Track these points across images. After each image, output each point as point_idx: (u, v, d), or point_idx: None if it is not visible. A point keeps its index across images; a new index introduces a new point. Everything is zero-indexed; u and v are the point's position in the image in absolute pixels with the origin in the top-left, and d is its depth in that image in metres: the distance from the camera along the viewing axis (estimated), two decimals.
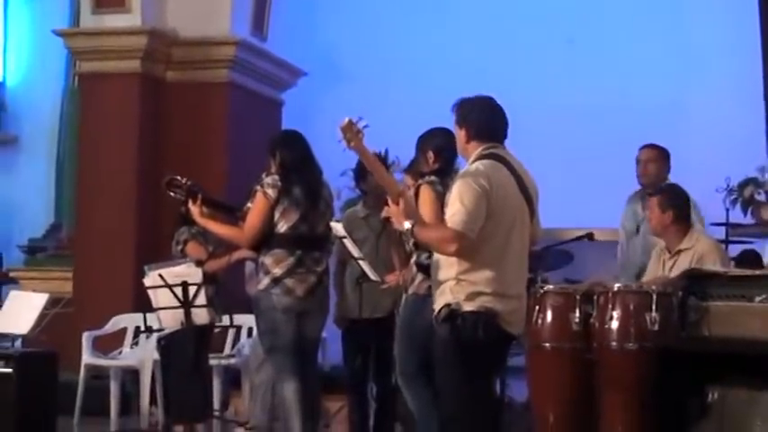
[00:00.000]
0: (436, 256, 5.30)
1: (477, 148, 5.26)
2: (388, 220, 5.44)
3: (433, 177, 6.04)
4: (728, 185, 9.39)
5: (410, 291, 6.16)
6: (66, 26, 11.10)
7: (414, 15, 11.20)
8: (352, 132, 5.25)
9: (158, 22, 10.26)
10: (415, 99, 9.65)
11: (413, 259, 6.09)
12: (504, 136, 5.37)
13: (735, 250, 8.45)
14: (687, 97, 10.42)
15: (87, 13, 10.34)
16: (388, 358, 6.89)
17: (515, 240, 5.20)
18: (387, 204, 5.41)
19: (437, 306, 5.19)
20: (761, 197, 9.44)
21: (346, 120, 5.24)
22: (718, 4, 9.56)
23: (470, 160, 5.28)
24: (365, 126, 5.26)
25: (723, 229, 8.95)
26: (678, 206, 6.52)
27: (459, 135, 5.33)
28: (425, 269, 5.81)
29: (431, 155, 6.20)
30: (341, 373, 8.03)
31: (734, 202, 9.38)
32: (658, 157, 7.33)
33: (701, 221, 7.14)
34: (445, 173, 6.06)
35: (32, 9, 12.00)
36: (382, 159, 7.32)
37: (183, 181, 6.80)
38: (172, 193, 6.85)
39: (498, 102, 5.42)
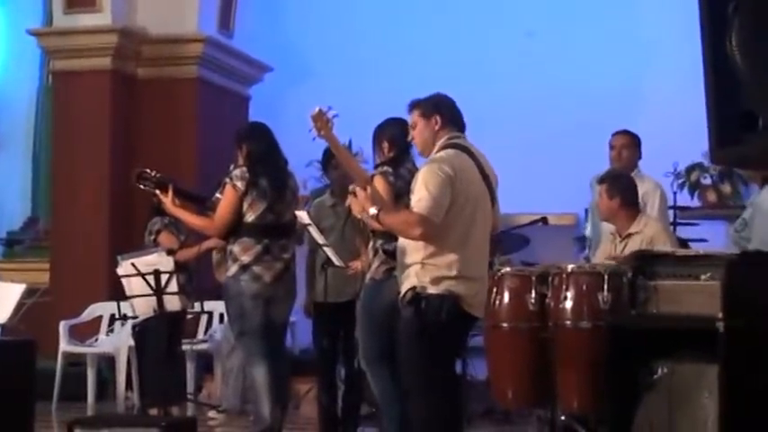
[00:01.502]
0: (402, 241, 5.42)
1: (444, 137, 5.42)
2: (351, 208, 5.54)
3: (386, 168, 6.14)
4: (676, 170, 9.55)
5: (368, 276, 6.23)
6: (40, 26, 11.17)
7: (376, 11, 11.24)
8: (322, 121, 5.40)
9: (128, 21, 10.34)
10: (377, 92, 9.71)
11: (370, 245, 6.20)
12: (464, 129, 5.56)
13: (682, 232, 8.60)
14: (637, 86, 10.52)
15: (59, 13, 10.43)
16: (354, 342, 6.93)
17: (478, 226, 5.36)
18: (351, 194, 5.62)
19: (403, 289, 5.32)
20: (706, 181, 9.58)
21: (317, 109, 5.39)
22: None
23: (435, 150, 5.42)
24: (335, 116, 5.43)
25: (671, 212, 9.07)
26: (624, 192, 6.66)
27: (429, 125, 5.44)
28: (385, 254, 5.97)
29: (385, 145, 6.31)
30: (310, 356, 8.15)
31: (681, 186, 9.53)
32: (631, 143, 7.39)
33: (663, 215, 7.25)
34: (399, 162, 6.17)
35: (6, 9, 11.99)
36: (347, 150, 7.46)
37: (153, 174, 6.88)
38: (141, 186, 6.92)
39: (458, 91, 5.58)
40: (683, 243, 7.72)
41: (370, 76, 10.84)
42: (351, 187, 5.62)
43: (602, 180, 6.86)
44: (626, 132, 7.45)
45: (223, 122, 10.24)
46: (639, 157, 7.44)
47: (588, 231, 7.77)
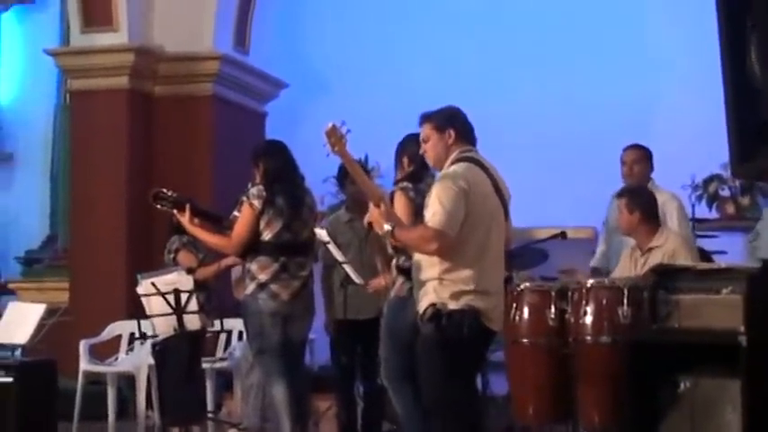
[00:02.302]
0: (417, 256, 5.41)
1: (457, 150, 5.41)
2: (371, 224, 5.51)
3: (406, 183, 6.15)
4: (693, 182, 9.54)
5: (392, 293, 6.22)
6: (57, 45, 11.24)
7: (392, 27, 11.25)
8: (335, 137, 5.36)
9: (145, 40, 10.36)
10: (393, 108, 9.72)
11: (393, 262, 6.18)
12: (476, 142, 5.54)
13: (701, 244, 8.46)
14: (653, 98, 10.47)
15: (77, 33, 10.46)
16: (374, 358, 6.95)
17: (493, 239, 5.34)
18: (369, 209, 5.61)
19: (421, 306, 5.29)
20: (725, 193, 9.55)
21: (330, 124, 5.35)
22: (684, 7, 9.70)
23: (447, 164, 5.40)
24: (348, 131, 5.38)
25: (690, 223, 9.08)
26: (644, 206, 6.65)
27: (442, 138, 5.42)
28: (406, 272, 5.93)
29: (405, 160, 6.33)
30: (329, 372, 8.12)
31: (699, 198, 9.51)
32: (642, 157, 7.32)
33: (684, 225, 7.21)
34: (418, 177, 6.17)
35: (24, 29, 12.07)
36: (362, 165, 7.48)
37: (169, 193, 6.90)
38: (158, 206, 6.94)
39: (473, 104, 5.59)
40: (707, 255, 7.70)
41: (386, 92, 10.85)
42: (368, 214, 5.59)
43: (620, 194, 6.85)
44: (636, 147, 7.39)
45: (240, 140, 10.23)
46: (652, 170, 7.39)
47: (601, 247, 7.75)
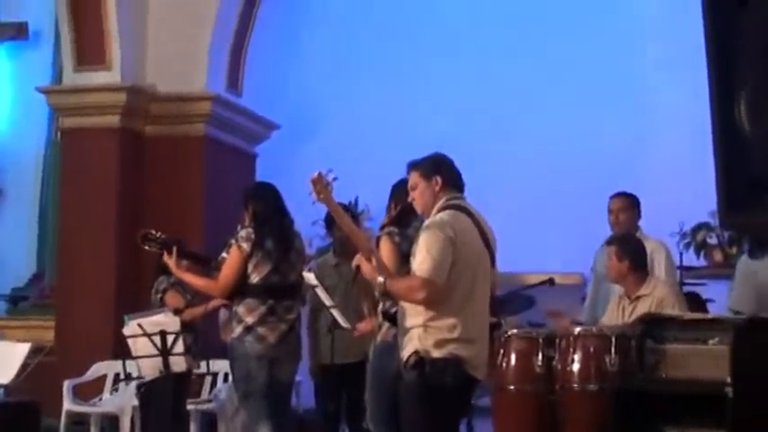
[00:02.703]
0: (403, 303, 5.40)
1: (444, 197, 5.41)
2: (358, 267, 5.50)
3: (391, 228, 6.15)
4: (682, 230, 9.58)
5: (378, 338, 6.22)
6: (50, 82, 11.26)
7: (383, 70, 11.32)
8: (321, 185, 5.40)
9: (137, 79, 10.38)
10: (384, 151, 9.77)
11: (379, 308, 6.17)
12: (464, 189, 5.55)
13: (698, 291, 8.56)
14: (643, 146, 10.51)
15: (69, 71, 10.48)
16: (359, 403, 6.92)
17: (479, 287, 5.34)
18: (357, 253, 5.61)
19: (405, 353, 5.27)
20: (713, 241, 9.60)
21: (316, 173, 5.40)
22: (675, 56, 9.76)
23: (434, 211, 5.41)
24: (334, 179, 5.41)
25: (677, 272, 9.12)
26: (633, 255, 6.67)
27: (429, 186, 5.43)
28: (392, 317, 5.90)
29: (393, 205, 6.33)
30: (315, 416, 8.09)
31: (687, 246, 9.55)
32: (629, 205, 7.29)
33: (671, 274, 7.23)
34: (405, 223, 6.16)
35: (16, 66, 12.08)
36: (350, 209, 7.49)
37: (157, 234, 6.92)
38: (146, 247, 6.96)
39: (462, 150, 5.63)
40: (701, 302, 7.74)
41: (376, 135, 10.90)
42: (357, 258, 5.59)
43: (610, 242, 6.87)
44: (622, 195, 7.37)
45: (230, 180, 10.27)
46: (639, 218, 7.37)
47: (590, 295, 7.75)
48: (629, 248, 6.71)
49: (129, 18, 10.35)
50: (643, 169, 10.17)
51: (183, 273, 6.81)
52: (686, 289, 8.45)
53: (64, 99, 10.62)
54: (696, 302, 7.87)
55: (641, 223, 7.41)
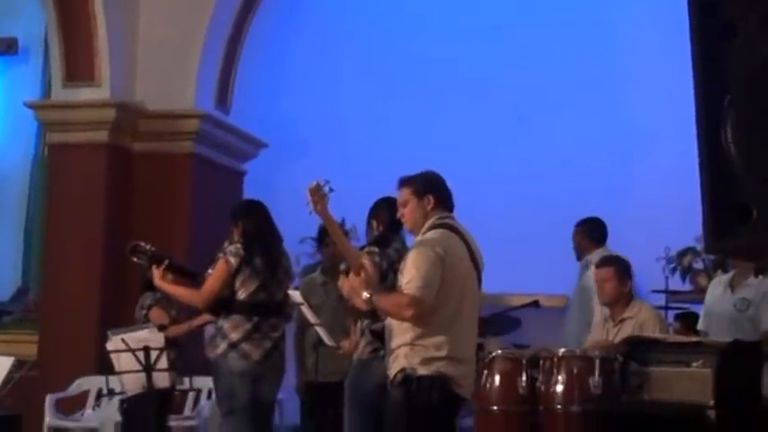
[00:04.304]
0: (389, 321, 5.41)
1: (434, 216, 5.43)
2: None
3: (372, 247, 6.15)
4: (668, 254, 9.59)
5: (355, 356, 6.24)
6: (38, 97, 11.21)
7: (371, 89, 11.32)
8: (318, 195, 5.42)
9: (126, 96, 10.34)
10: (371, 170, 9.79)
11: (358, 325, 6.19)
12: (453, 208, 5.58)
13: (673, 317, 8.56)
14: (629, 169, 10.55)
15: (58, 86, 10.44)
16: (343, 421, 6.89)
17: (467, 306, 5.37)
18: (343, 274, 5.62)
19: (392, 371, 5.30)
20: (698, 265, 9.61)
21: (314, 182, 5.41)
22: (662, 78, 9.81)
23: (423, 230, 5.43)
24: (331, 190, 5.44)
25: (663, 296, 9.13)
26: (630, 277, 6.73)
27: (421, 204, 5.44)
28: (373, 334, 5.96)
29: (374, 224, 6.35)
30: None
31: (673, 271, 9.55)
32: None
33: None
34: (386, 242, 6.19)
35: (5, 81, 12.02)
36: (342, 226, 7.50)
37: (147, 247, 6.93)
38: (135, 259, 6.97)
39: (450, 171, 5.62)
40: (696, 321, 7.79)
41: (364, 154, 10.91)
42: (342, 267, 5.62)
43: (609, 263, 6.81)
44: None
45: (217, 198, 10.24)
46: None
47: (574, 318, 7.76)
48: (627, 270, 6.73)
49: (118, 35, 10.34)
50: (629, 193, 10.21)
51: (165, 285, 6.83)
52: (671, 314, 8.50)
53: (52, 114, 10.60)
54: (692, 322, 7.91)
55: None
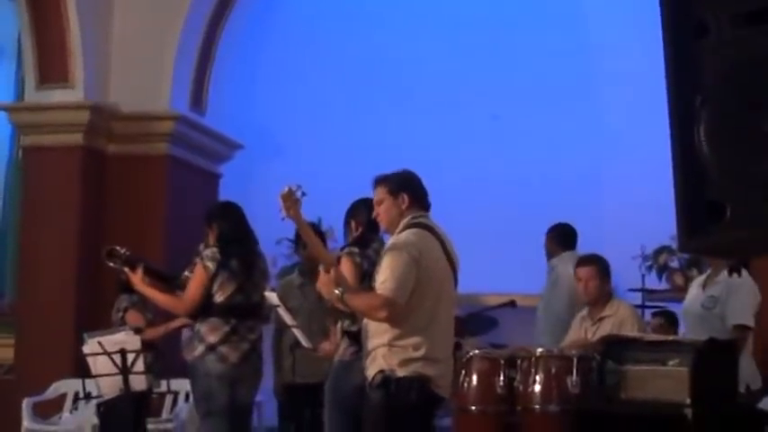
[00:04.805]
0: (366, 322, 5.40)
1: (409, 216, 5.42)
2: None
3: (353, 248, 6.16)
4: (644, 253, 9.67)
5: (336, 357, 6.23)
6: (12, 99, 11.19)
7: (346, 91, 11.35)
8: (291, 200, 5.39)
9: (100, 98, 10.33)
10: (347, 171, 9.80)
11: (338, 326, 6.20)
12: (430, 207, 5.57)
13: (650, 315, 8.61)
14: (604, 168, 10.60)
15: (32, 89, 10.41)
16: (321, 423, 6.79)
17: (443, 306, 5.36)
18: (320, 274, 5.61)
19: (370, 372, 5.29)
20: (674, 264, 9.69)
21: (286, 188, 5.38)
22: (633, 81, 9.86)
23: (399, 229, 5.42)
24: (303, 195, 5.40)
25: (639, 294, 9.18)
26: (610, 276, 6.76)
27: (395, 203, 5.42)
28: (351, 335, 5.96)
29: (353, 225, 6.34)
30: None
31: (649, 269, 9.62)
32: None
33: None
34: (366, 242, 6.19)
35: None
36: (317, 228, 7.50)
37: (123, 251, 6.89)
38: (111, 263, 6.92)
39: (426, 172, 5.61)
40: (674, 320, 7.82)
41: (339, 156, 10.93)
42: (320, 268, 5.62)
43: (591, 262, 6.82)
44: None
45: (193, 200, 10.24)
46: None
47: (552, 315, 7.78)
48: (608, 268, 6.75)
49: (92, 36, 10.31)
50: (605, 192, 10.26)
51: (147, 289, 6.78)
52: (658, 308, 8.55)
53: (26, 117, 10.56)
54: (670, 320, 7.96)
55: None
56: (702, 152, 2.57)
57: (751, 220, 2.48)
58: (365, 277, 5.91)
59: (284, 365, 7.50)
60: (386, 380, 5.23)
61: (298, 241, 7.71)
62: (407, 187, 5.47)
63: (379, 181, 5.54)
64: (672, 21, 2.65)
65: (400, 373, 5.22)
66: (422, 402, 5.26)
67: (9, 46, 11.69)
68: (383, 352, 5.26)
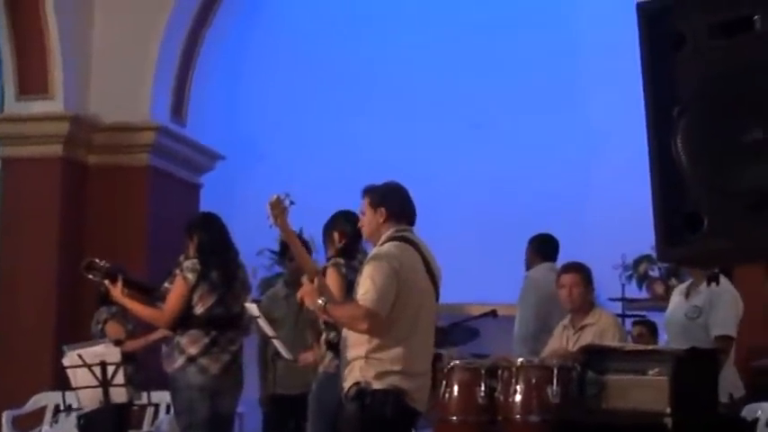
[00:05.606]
0: (345, 333, 5.42)
1: (389, 230, 5.43)
2: (303, 300, 5.53)
3: (339, 260, 6.19)
4: (624, 262, 9.68)
5: (320, 369, 6.26)
6: None
7: (328, 101, 11.33)
8: (279, 209, 5.41)
9: (80, 109, 10.28)
10: (329, 182, 9.82)
11: (323, 337, 6.20)
12: (414, 221, 5.59)
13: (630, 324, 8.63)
14: (585, 177, 10.60)
15: (11, 99, 10.36)
16: None
17: (423, 320, 5.37)
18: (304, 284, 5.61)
19: (346, 384, 5.30)
20: (654, 273, 9.71)
21: (275, 196, 5.39)
22: (616, 90, 9.87)
23: (380, 242, 5.43)
24: (291, 203, 5.43)
25: (620, 303, 9.19)
26: (593, 284, 6.77)
27: (375, 216, 5.45)
28: (335, 347, 5.95)
29: (336, 236, 6.37)
30: None
31: (629, 278, 9.64)
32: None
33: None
34: (350, 253, 6.23)
35: None
36: (300, 238, 7.50)
37: (102, 263, 6.89)
38: (90, 276, 6.92)
39: (408, 181, 5.63)
40: (654, 329, 7.83)
41: (321, 166, 10.92)
42: (303, 278, 5.62)
43: (575, 269, 6.82)
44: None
45: (174, 211, 10.19)
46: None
47: (523, 325, 7.79)
48: (590, 275, 6.75)
49: (72, 47, 10.27)
50: (585, 201, 10.27)
51: (127, 301, 6.78)
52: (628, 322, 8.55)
53: (5, 128, 10.49)
54: (650, 330, 7.98)
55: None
56: (680, 163, 2.57)
57: (728, 230, 2.49)
58: (350, 288, 5.91)
59: (268, 377, 7.48)
60: (361, 392, 5.23)
61: (283, 253, 7.69)
62: (386, 202, 5.49)
63: (366, 191, 5.59)
64: (648, 32, 2.66)
65: (376, 385, 5.22)
66: (397, 416, 5.25)
67: None
68: (360, 364, 5.26)
